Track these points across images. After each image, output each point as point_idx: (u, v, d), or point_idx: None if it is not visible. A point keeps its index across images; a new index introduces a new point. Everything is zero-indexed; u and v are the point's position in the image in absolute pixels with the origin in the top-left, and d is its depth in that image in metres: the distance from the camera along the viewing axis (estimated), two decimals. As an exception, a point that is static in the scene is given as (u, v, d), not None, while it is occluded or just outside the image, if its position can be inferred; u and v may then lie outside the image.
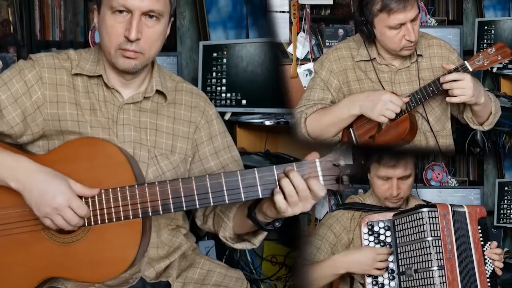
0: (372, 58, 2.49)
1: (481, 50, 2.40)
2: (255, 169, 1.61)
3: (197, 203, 1.63)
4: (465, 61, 2.35)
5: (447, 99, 2.33)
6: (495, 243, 2.21)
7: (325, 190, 1.58)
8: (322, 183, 1.59)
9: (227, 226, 1.81)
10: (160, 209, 1.64)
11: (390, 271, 2.18)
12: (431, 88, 2.37)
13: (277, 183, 1.58)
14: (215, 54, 3.33)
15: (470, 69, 2.33)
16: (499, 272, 2.18)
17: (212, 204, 1.63)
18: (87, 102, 1.78)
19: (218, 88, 3.32)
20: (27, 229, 1.68)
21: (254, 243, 1.82)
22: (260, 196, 1.61)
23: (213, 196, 1.61)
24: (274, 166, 1.59)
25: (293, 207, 1.58)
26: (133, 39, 1.69)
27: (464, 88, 2.28)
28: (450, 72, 2.34)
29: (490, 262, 2.18)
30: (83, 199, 1.64)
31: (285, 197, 1.57)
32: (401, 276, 2.15)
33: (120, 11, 1.69)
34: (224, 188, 1.61)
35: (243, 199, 1.61)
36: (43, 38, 3.27)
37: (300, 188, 1.56)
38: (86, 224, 1.66)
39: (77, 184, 1.64)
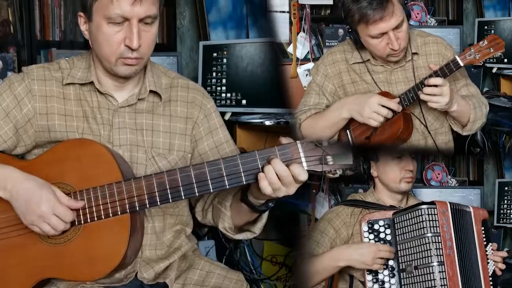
0: (366, 60, 2.49)
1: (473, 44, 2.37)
2: (237, 156, 1.64)
3: (182, 194, 1.65)
4: (456, 56, 2.31)
5: (429, 104, 2.30)
6: (495, 245, 2.22)
7: (306, 174, 1.59)
8: (305, 165, 1.61)
9: (226, 216, 1.81)
10: (147, 203, 1.66)
11: (390, 269, 2.19)
12: (423, 86, 2.33)
13: (261, 170, 1.60)
14: (215, 54, 3.33)
15: (461, 64, 2.29)
16: (499, 273, 2.20)
17: (197, 194, 1.65)
18: (79, 110, 1.79)
19: (218, 88, 3.32)
20: (20, 233, 1.70)
21: (255, 231, 1.82)
22: (244, 183, 1.63)
23: (198, 186, 1.64)
24: (256, 152, 1.62)
25: (277, 192, 1.61)
26: (136, 48, 1.69)
27: (440, 95, 2.24)
28: (433, 74, 2.31)
29: (492, 263, 2.20)
30: (72, 197, 1.67)
31: (269, 183, 1.60)
32: (402, 273, 2.16)
33: (117, 21, 1.69)
34: (208, 178, 1.63)
35: (228, 186, 1.64)
36: (43, 38, 3.26)
37: (283, 175, 1.58)
38: (77, 223, 1.68)
39: (64, 196, 1.66)
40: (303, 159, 1.61)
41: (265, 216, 1.79)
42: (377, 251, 2.18)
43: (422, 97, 2.29)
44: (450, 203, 2.15)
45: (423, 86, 2.31)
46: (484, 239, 2.20)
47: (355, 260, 2.21)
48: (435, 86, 2.27)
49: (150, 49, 1.75)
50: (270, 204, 1.72)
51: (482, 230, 2.20)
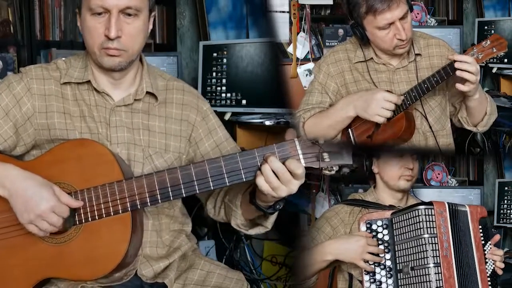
0: (369, 58, 2.49)
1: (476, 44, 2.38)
2: (237, 153, 1.65)
3: (183, 192, 1.67)
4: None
5: (457, 85, 2.28)
6: (497, 237, 2.20)
7: (303, 168, 1.61)
8: (302, 161, 1.62)
9: (237, 214, 1.83)
10: (148, 201, 1.67)
11: (387, 269, 2.18)
12: (425, 85, 2.35)
13: (259, 167, 1.62)
14: (215, 54, 3.33)
15: None
16: (500, 272, 2.18)
17: (198, 191, 1.67)
18: (77, 110, 1.81)
19: (218, 88, 3.32)
20: (21, 232, 1.70)
21: (267, 226, 1.83)
22: (244, 180, 1.65)
23: (198, 183, 1.66)
24: (255, 149, 1.64)
25: (277, 190, 1.61)
26: (113, 37, 1.71)
27: (473, 72, 2.23)
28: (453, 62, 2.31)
29: (491, 262, 2.18)
30: (73, 196, 1.68)
31: (266, 181, 1.61)
32: (399, 274, 2.15)
33: (99, 13, 1.72)
34: (209, 175, 1.65)
35: (228, 184, 1.66)
36: (43, 38, 3.28)
37: (279, 171, 1.59)
38: (78, 223, 1.68)
39: (63, 194, 1.66)
40: (300, 156, 1.63)
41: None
42: (365, 245, 2.18)
43: (457, 71, 2.26)
44: (448, 203, 2.14)
45: (429, 81, 2.33)
46: (483, 238, 2.19)
47: (342, 254, 2.19)
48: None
49: (135, 42, 1.77)
50: (278, 206, 1.72)
51: (480, 228, 2.19)
